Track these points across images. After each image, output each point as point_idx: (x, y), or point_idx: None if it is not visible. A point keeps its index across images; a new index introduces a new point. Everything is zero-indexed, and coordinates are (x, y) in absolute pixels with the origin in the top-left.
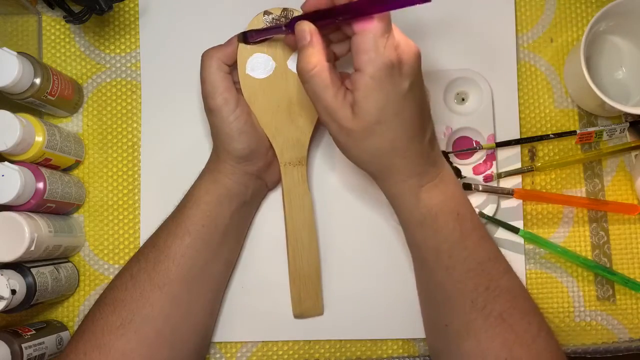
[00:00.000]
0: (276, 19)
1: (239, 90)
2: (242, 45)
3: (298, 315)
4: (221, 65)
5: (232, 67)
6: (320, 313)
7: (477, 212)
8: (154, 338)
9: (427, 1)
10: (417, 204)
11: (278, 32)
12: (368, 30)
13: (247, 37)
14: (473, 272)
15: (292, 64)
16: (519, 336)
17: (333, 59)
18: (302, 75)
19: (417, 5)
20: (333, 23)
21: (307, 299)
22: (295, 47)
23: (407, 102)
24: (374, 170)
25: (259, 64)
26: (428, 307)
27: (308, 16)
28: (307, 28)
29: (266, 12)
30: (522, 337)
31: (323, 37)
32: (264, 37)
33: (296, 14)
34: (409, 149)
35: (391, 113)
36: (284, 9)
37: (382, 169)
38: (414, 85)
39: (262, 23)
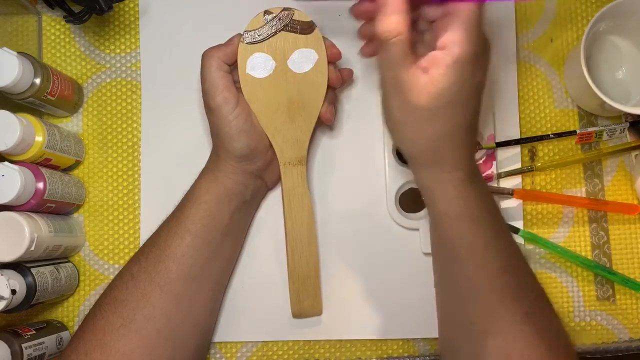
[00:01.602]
0: (277, 19)
1: (239, 90)
2: (242, 45)
3: (297, 314)
4: (221, 65)
5: (232, 66)
6: (319, 313)
7: None
8: (155, 338)
9: None
10: (457, 196)
11: None
12: (464, 13)
13: None
14: (504, 269)
15: (292, 63)
16: (542, 335)
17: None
18: (383, 39)
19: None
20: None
21: (306, 298)
22: (362, 16)
23: (476, 94)
24: (423, 155)
25: (259, 63)
26: (452, 304)
27: None
28: None
29: (266, 12)
30: (545, 336)
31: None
32: None
33: (296, 13)
34: (465, 140)
35: (462, 100)
36: (284, 9)
37: (432, 155)
38: (484, 79)
39: (262, 23)
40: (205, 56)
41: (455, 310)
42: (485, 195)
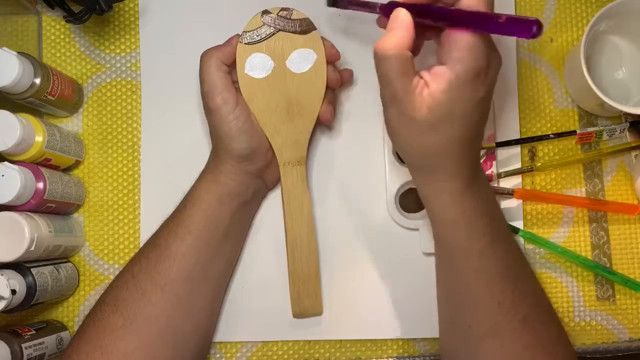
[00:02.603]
0: (276, 19)
1: (238, 90)
2: (241, 45)
3: (297, 314)
4: (220, 65)
5: (231, 67)
6: (320, 313)
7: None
8: (156, 338)
9: (536, 37)
10: (453, 204)
11: (372, 10)
12: (467, 32)
13: (338, 3)
14: (501, 275)
15: (290, 63)
16: (540, 340)
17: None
18: (378, 54)
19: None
20: (427, 23)
21: (306, 298)
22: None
23: (478, 109)
24: (420, 164)
25: (257, 63)
26: (450, 307)
27: (408, 6)
28: (404, 18)
29: (265, 12)
30: (543, 340)
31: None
32: (353, 8)
33: (295, 13)
34: (463, 153)
35: (461, 114)
36: (283, 9)
37: (429, 165)
38: (488, 94)
39: (260, 23)
40: (204, 57)
41: (453, 314)
42: (485, 201)
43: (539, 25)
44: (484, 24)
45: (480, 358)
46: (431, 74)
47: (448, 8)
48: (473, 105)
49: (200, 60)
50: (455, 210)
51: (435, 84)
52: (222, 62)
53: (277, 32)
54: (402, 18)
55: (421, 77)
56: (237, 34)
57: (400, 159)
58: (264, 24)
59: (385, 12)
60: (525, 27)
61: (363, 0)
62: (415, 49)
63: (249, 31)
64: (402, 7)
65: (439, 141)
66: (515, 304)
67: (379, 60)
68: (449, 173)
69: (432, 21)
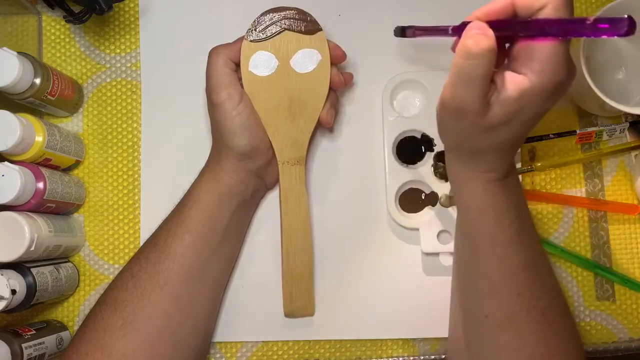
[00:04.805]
0: (282, 18)
1: (243, 88)
2: (245, 42)
3: (288, 314)
4: (227, 62)
5: (238, 64)
6: (311, 314)
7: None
8: (156, 338)
9: (629, 34)
10: (485, 192)
11: (444, 34)
12: (555, 43)
13: (406, 32)
14: (523, 266)
15: (294, 63)
16: (556, 333)
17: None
18: (475, 51)
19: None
20: (507, 36)
21: (299, 298)
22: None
23: (540, 118)
24: (463, 154)
25: (261, 61)
26: (467, 296)
27: (485, 23)
28: (482, 25)
29: (271, 11)
30: (558, 334)
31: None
32: (426, 36)
33: (301, 13)
34: (509, 151)
35: (524, 121)
36: (289, 8)
37: (473, 159)
38: (552, 106)
39: (266, 22)
40: (212, 53)
41: (470, 303)
42: (515, 193)
43: (631, 23)
44: (572, 29)
45: (495, 348)
46: (506, 80)
47: (528, 19)
48: (539, 115)
49: (209, 56)
50: (486, 198)
51: (508, 91)
52: (230, 59)
53: (283, 31)
54: (484, 26)
55: (493, 82)
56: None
57: (400, 158)
58: (270, 22)
59: (459, 32)
60: (617, 26)
61: (432, 26)
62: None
63: (254, 29)
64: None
65: (493, 141)
66: (534, 296)
67: (472, 57)
68: (490, 167)
69: (511, 33)
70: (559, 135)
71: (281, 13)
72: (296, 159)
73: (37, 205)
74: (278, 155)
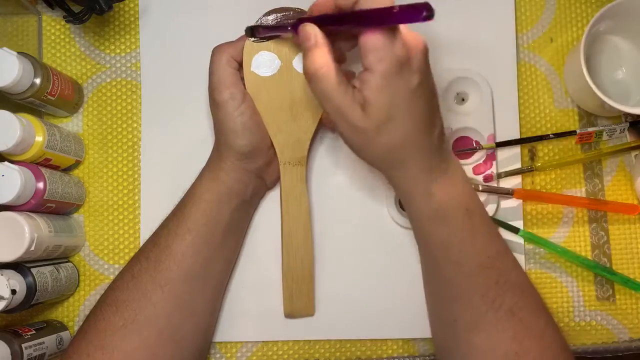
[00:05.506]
0: (285, 18)
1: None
2: (248, 42)
3: (288, 314)
4: (230, 61)
5: (241, 63)
6: (311, 314)
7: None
8: (157, 338)
9: (429, 19)
10: (428, 198)
11: (284, 31)
12: (373, 32)
13: (254, 32)
14: (483, 267)
15: (297, 63)
16: (528, 329)
17: (339, 60)
18: (309, 75)
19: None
20: (337, 29)
21: (299, 299)
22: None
23: (417, 97)
24: (386, 167)
25: (264, 61)
26: (436, 302)
27: (313, 19)
28: (311, 30)
29: (274, 11)
30: (531, 330)
31: (328, 37)
32: (270, 35)
33: (297, 13)
34: (420, 143)
35: (402, 109)
36: (292, 9)
37: (394, 165)
38: (423, 80)
39: (269, 22)
40: (215, 51)
41: (439, 309)
42: (461, 194)
43: (428, 8)
44: (382, 18)
45: (469, 351)
46: (360, 80)
47: (349, 11)
48: (410, 96)
49: (212, 55)
50: (430, 204)
51: (366, 90)
52: (233, 58)
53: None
54: (311, 32)
55: (354, 86)
56: None
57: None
58: (273, 22)
59: (296, 30)
60: (417, 12)
61: (276, 25)
62: (339, 58)
63: None
64: (308, 21)
65: (392, 139)
66: (499, 295)
67: (314, 81)
68: (414, 167)
69: (338, 27)
70: (559, 135)
71: (284, 13)
72: (298, 159)
73: (37, 205)
74: (279, 156)
